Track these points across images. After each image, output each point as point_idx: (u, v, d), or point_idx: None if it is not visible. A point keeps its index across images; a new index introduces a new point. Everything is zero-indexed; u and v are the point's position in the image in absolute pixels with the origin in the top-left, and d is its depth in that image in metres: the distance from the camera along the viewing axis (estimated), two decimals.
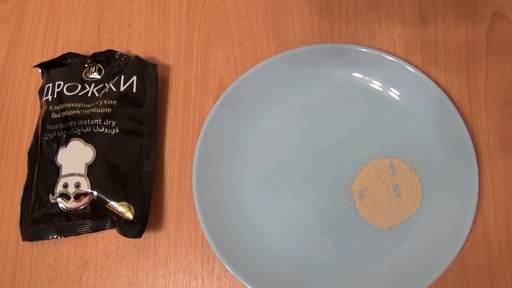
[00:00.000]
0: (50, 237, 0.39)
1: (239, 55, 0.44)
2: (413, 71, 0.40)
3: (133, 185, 0.39)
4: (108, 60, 0.44)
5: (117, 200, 0.38)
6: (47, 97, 0.42)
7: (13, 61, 0.48)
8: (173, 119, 0.43)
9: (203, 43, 0.45)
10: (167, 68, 0.45)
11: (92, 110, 0.41)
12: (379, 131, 0.40)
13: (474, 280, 0.35)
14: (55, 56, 0.45)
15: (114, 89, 0.42)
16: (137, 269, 0.39)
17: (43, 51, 0.48)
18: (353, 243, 0.37)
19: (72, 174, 0.39)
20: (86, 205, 0.38)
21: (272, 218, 0.38)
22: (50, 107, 0.41)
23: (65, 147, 0.40)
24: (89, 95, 0.42)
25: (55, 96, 0.42)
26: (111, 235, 0.40)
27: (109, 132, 0.40)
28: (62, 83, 0.43)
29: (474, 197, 0.36)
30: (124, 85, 0.42)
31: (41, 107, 0.44)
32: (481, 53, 0.42)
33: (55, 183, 0.39)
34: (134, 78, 0.43)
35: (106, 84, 0.42)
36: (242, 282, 0.35)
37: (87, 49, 0.47)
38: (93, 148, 0.39)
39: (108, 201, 0.38)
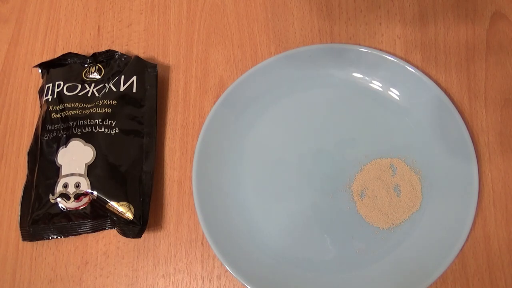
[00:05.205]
0: (50, 237, 0.39)
1: (239, 55, 0.44)
2: (413, 71, 0.40)
3: (133, 185, 0.39)
4: (108, 60, 0.44)
5: (117, 200, 0.38)
6: (47, 97, 0.42)
7: (13, 61, 0.48)
8: (173, 119, 0.43)
9: (203, 43, 0.45)
10: (167, 68, 0.45)
11: (92, 110, 0.41)
12: (379, 131, 0.40)
13: (474, 280, 0.35)
14: (55, 56, 0.45)
15: (114, 89, 0.42)
16: (137, 269, 0.39)
17: (43, 51, 0.48)
18: (353, 243, 0.37)
19: (72, 174, 0.39)
20: (86, 205, 0.38)
21: (272, 218, 0.38)
22: (50, 107, 0.41)
23: (65, 147, 0.40)
24: (89, 95, 0.42)
25: (55, 96, 0.42)
26: (111, 235, 0.40)
27: (109, 132, 0.40)
28: (62, 83, 0.43)
29: (474, 197, 0.36)
30: (124, 85, 0.42)
31: (41, 107, 0.44)
32: (481, 53, 0.42)
33: (55, 183, 0.39)
34: (134, 78, 0.43)
35: (106, 84, 0.42)
36: (242, 282, 0.35)
37: (87, 49, 0.47)
38: (93, 148, 0.39)
39: (108, 201, 0.38)
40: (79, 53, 0.46)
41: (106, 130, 0.40)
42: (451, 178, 0.37)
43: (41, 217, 0.39)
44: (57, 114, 0.41)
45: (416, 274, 0.35)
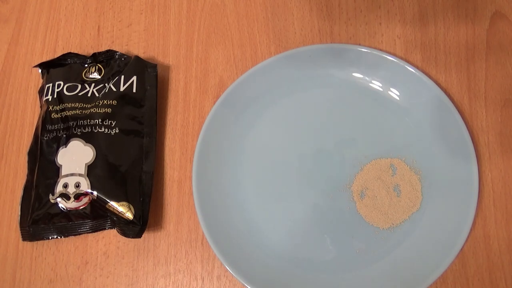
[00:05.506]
0: (50, 237, 0.39)
1: (239, 55, 0.44)
2: (413, 71, 0.40)
3: (133, 185, 0.39)
4: (108, 60, 0.44)
5: (117, 200, 0.38)
6: (47, 97, 0.42)
7: (13, 61, 0.48)
8: (173, 119, 0.43)
9: (203, 43, 0.45)
10: (167, 68, 0.45)
11: (92, 110, 0.41)
12: (379, 131, 0.40)
13: (474, 280, 0.35)
14: (55, 56, 0.45)
15: (114, 89, 0.42)
16: (137, 269, 0.39)
17: (43, 51, 0.48)
18: (353, 243, 0.37)
19: (72, 174, 0.39)
20: (86, 205, 0.38)
21: (272, 218, 0.38)
22: (50, 107, 0.41)
23: (65, 147, 0.40)
24: (89, 95, 0.42)
25: (55, 96, 0.42)
26: (111, 235, 0.40)
27: (109, 132, 0.40)
28: (62, 83, 0.43)
29: (474, 197, 0.36)
30: (124, 85, 0.42)
31: (41, 107, 0.44)
32: (481, 53, 0.42)
33: (55, 183, 0.39)
34: (134, 78, 0.43)
35: (106, 84, 0.42)
36: (242, 282, 0.35)
37: (87, 49, 0.47)
38: (93, 148, 0.39)
39: (108, 201, 0.38)
40: (79, 53, 0.46)
41: (106, 130, 0.40)
42: (451, 178, 0.37)
43: (41, 217, 0.39)
44: (57, 114, 0.41)
45: (416, 274, 0.35)
